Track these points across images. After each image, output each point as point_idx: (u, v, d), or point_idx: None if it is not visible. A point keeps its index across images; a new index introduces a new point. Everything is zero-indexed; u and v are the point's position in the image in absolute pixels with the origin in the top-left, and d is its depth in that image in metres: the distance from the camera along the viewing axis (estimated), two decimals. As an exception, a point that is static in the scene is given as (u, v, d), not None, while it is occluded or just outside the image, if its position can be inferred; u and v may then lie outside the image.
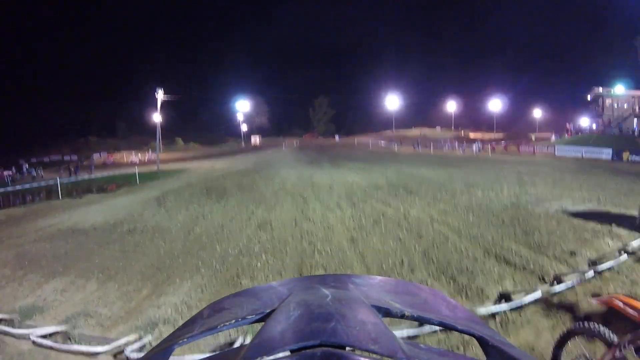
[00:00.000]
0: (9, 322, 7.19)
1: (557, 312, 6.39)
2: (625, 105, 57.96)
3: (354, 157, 48.40)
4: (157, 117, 49.47)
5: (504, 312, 6.43)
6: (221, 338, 6.14)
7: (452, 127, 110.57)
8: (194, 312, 5.73)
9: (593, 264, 8.38)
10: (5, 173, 55.45)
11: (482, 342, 1.08)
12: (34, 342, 6.39)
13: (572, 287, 7.20)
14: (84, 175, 44.70)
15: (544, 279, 7.91)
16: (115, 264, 10.67)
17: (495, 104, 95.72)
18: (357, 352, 0.91)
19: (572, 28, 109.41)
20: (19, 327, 7.01)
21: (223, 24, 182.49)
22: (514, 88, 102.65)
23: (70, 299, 8.58)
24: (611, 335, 3.90)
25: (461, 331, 1.12)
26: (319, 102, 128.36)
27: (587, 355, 4.17)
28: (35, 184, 35.39)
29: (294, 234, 12.38)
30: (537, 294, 6.75)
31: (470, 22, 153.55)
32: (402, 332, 5.84)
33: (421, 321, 1.17)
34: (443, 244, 10.46)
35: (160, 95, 47.15)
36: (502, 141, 70.01)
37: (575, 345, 4.38)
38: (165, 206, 19.20)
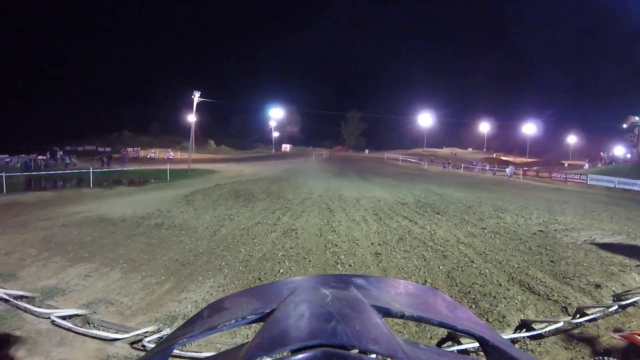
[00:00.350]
0: (30, 300, 7.32)
1: (578, 344, 6.32)
2: (662, 135, 56.64)
3: (382, 172, 48.37)
4: (192, 118, 51.08)
5: (524, 340, 6.40)
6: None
7: (484, 149, 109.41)
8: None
9: (617, 298, 8.27)
10: (40, 158, 56.89)
11: (482, 342, 1.13)
12: (52, 322, 6.51)
13: (595, 320, 7.13)
14: (117, 167, 45.51)
15: (566, 310, 7.84)
16: (141, 256, 10.87)
17: (529, 128, 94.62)
18: (357, 352, 0.95)
19: (610, 54, 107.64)
20: (40, 306, 7.15)
21: (263, 33, 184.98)
22: (549, 113, 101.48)
23: (93, 285, 8.75)
24: None
25: (461, 331, 1.17)
26: (351, 115, 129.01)
27: None
28: (67, 171, 36.25)
29: (319, 244, 12.42)
30: (559, 325, 6.69)
31: (508, 44, 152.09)
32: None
33: (421, 321, 1.22)
34: (467, 267, 10.39)
35: (196, 97, 48.30)
36: (534, 167, 68.92)
37: (595, 381, 4.36)
38: (194, 205, 19.47)
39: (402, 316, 1.20)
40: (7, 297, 7.40)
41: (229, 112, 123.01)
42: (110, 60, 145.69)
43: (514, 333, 6.59)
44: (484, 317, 7.54)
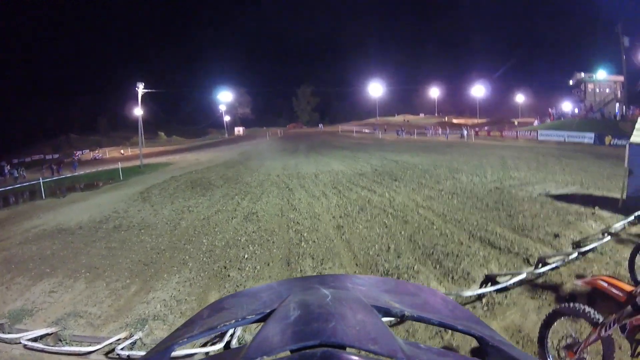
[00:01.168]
0: None
1: (543, 293, 6.45)
2: (607, 90, 58.63)
3: (338, 145, 48.49)
4: (138, 112, 49.46)
5: (490, 294, 6.49)
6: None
7: (436, 114, 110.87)
8: (183, 306, 5.74)
9: (577, 245, 8.50)
10: (-14, 175, 54.71)
11: (482, 342, 1.11)
12: (25, 346, 6.33)
13: (557, 269, 7.28)
14: (67, 174, 44.32)
15: (528, 262, 8.00)
16: (103, 262, 10.58)
17: (478, 90, 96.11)
18: (357, 352, 0.93)
19: (555, 14, 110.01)
20: (9, 332, 6.92)
21: (203, 14, 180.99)
22: (497, 74, 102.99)
23: (59, 300, 8.50)
24: (596, 315, 3.94)
25: (461, 331, 1.15)
26: (302, 91, 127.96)
27: (573, 335, 4.22)
28: (18, 185, 35.07)
29: (281, 224, 12.38)
30: (522, 276, 6.81)
31: (453, 7, 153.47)
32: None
33: (421, 321, 1.19)
34: (428, 229, 10.53)
35: (140, 89, 46.85)
36: (485, 127, 70.26)
37: (562, 326, 4.43)
38: (150, 201, 19.07)
39: (402, 316, 1.19)
40: (-27, 330, 7.11)
41: (176, 101, 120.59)
42: (47, 56, 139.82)
43: (479, 288, 6.68)
44: (449, 275, 7.65)
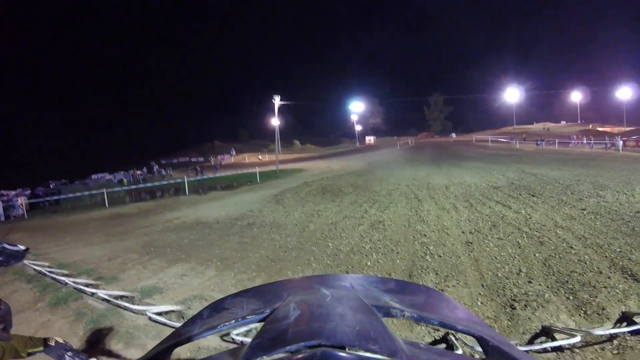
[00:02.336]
0: (130, 299, 7.98)
1: (690, 338, 5.79)
2: None
3: (471, 156, 47.17)
4: (275, 122, 54.00)
5: (624, 335, 5.84)
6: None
7: (578, 121, 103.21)
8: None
9: None
10: (138, 172, 61.87)
11: (482, 342, 1.10)
12: (149, 318, 6.95)
13: None
14: (210, 175, 47.76)
15: (677, 300, 7.23)
16: (234, 254, 11.41)
17: (624, 93, 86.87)
18: (357, 352, 0.94)
19: None
20: (138, 304, 7.72)
21: (335, 28, 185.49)
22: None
23: (189, 284, 9.28)
24: None
25: (461, 331, 1.16)
26: (434, 99, 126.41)
27: None
28: (164, 182, 38.62)
29: (407, 235, 12.32)
30: (667, 317, 6.11)
31: (593, 10, 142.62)
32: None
33: (421, 321, 1.22)
34: (566, 253, 9.86)
35: (277, 101, 50.39)
36: (634, 136, 64.23)
37: None
38: (283, 203, 20.04)
39: (402, 316, 1.20)
40: (108, 298, 8.09)
41: (310, 111, 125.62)
42: (195, 77, 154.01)
43: (613, 327, 6.04)
44: (581, 309, 7.06)
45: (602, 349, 5.62)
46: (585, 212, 14.00)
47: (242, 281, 9.20)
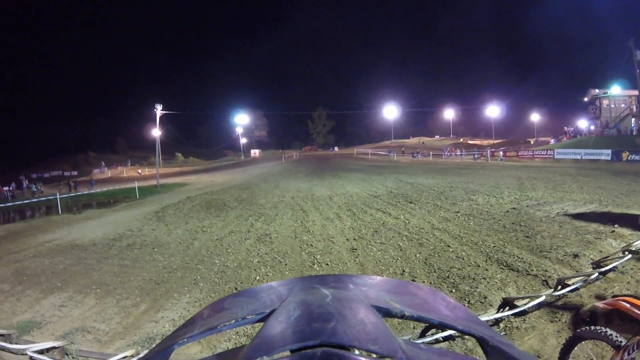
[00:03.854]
0: (7, 338, 7.12)
1: (562, 316, 6.27)
2: (622, 106, 58.55)
3: (353, 168, 48.55)
4: (156, 132, 50.22)
5: (508, 318, 6.32)
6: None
7: (451, 135, 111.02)
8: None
9: (597, 265, 8.28)
10: (5, 189, 55.86)
11: (482, 342, 1.08)
12: (30, 358, 6.34)
13: (577, 290, 7.09)
14: (84, 191, 44.97)
15: (547, 284, 7.81)
16: (114, 279, 10.59)
17: (493, 111, 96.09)
18: (357, 352, 0.92)
19: (567, 32, 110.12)
20: (17, 343, 6.96)
21: (220, 40, 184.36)
22: (511, 94, 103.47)
23: (69, 315, 8.51)
24: (618, 337, 3.81)
25: (461, 331, 1.12)
26: (317, 114, 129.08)
27: (595, 359, 4.07)
28: (35, 200, 35.76)
29: (294, 246, 12.26)
30: (541, 299, 6.64)
31: (467, 29, 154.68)
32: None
33: (421, 321, 1.18)
34: (444, 252, 10.36)
35: (159, 110, 47.30)
36: (501, 147, 70.01)
37: (582, 350, 4.30)
38: (165, 220, 19.14)
39: (402, 316, 1.16)
40: (-19, 339, 7.15)
41: (194, 123, 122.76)
42: (68, 77, 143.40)
43: (497, 312, 6.51)
44: (465, 299, 7.48)
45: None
46: (459, 214, 14.84)
47: (125, 308, 8.61)
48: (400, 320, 5.60)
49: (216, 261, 11.44)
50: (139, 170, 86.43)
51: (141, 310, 8.47)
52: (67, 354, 6.54)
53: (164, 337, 1.28)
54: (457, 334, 5.64)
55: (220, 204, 23.36)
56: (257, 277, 9.75)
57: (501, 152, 54.67)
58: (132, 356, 6.20)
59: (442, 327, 1.20)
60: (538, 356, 5.31)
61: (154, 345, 1.20)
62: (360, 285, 1.42)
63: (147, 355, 1.16)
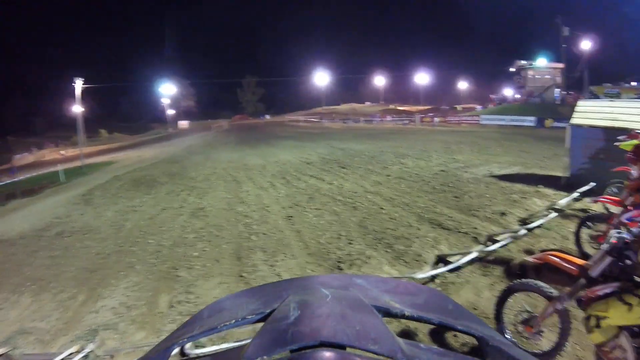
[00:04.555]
0: None
1: (494, 270, 6.55)
2: (547, 77, 61.71)
3: (285, 135, 48.42)
4: (77, 109, 46.99)
5: (443, 274, 6.53)
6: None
7: (381, 101, 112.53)
8: (133, 312, 5.44)
9: (524, 222, 8.67)
10: None
11: (482, 342, 1.12)
12: None
13: (506, 246, 7.39)
14: (6, 180, 42.43)
15: (477, 240, 8.11)
16: (47, 272, 9.96)
17: (422, 78, 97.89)
18: (357, 352, 0.93)
19: (498, 3, 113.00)
20: None
21: (142, 6, 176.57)
22: (440, 62, 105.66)
23: (5, 318, 7.94)
24: (550, 289, 4.00)
25: (461, 331, 1.17)
26: (246, 82, 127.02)
27: (529, 310, 4.28)
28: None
29: (229, 218, 12.11)
30: (473, 255, 6.90)
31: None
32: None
33: (421, 321, 1.21)
34: (378, 214, 10.56)
35: (79, 85, 44.33)
36: (429, 113, 71.69)
37: (516, 301, 4.48)
38: (93, 203, 18.30)
39: (402, 316, 1.20)
40: None
41: (116, 96, 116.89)
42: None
43: (432, 269, 6.70)
44: (400, 258, 7.66)
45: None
46: (390, 177, 15.17)
47: (63, 302, 8.15)
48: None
49: (150, 241, 11.08)
50: (62, 152, 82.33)
51: (79, 302, 8.08)
52: None
53: (166, 337, 1.30)
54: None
55: (149, 180, 22.62)
56: (195, 253, 9.53)
57: (435, 119, 56.06)
58: (78, 351, 5.97)
59: (442, 326, 1.24)
60: (474, 309, 5.50)
61: (154, 346, 1.12)
62: (360, 285, 1.44)
63: (147, 355, 1.18)
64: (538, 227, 8.23)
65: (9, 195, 29.98)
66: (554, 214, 8.86)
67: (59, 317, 7.56)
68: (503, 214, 9.55)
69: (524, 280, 4.41)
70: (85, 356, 5.83)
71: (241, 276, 7.91)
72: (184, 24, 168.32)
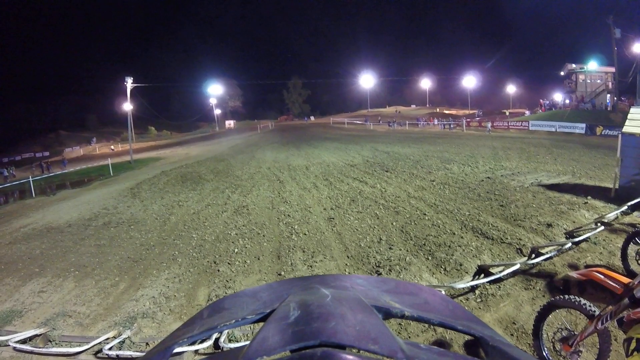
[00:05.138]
0: None
1: (536, 284, 6.38)
2: (599, 81, 59.19)
3: (329, 137, 48.44)
4: (127, 106, 48.35)
5: (483, 285, 6.41)
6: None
7: (427, 104, 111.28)
8: (172, 303, 5.58)
9: (570, 235, 8.44)
10: (-25, 176, 53.70)
11: (482, 342, 1.10)
12: (14, 348, 6.25)
13: (550, 259, 7.22)
14: (57, 171, 44.00)
15: (521, 252, 7.93)
16: (92, 260, 10.37)
17: (470, 81, 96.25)
18: (357, 352, 0.91)
19: (547, 5, 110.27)
20: None
21: (194, 7, 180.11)
22: (488, 65, 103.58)
23: (48, 300, 8.31)
24: (592, 307, 3.87)
25: (461, 331, 1.13)
26: (292, 83, 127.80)
27: (569, 328, 4.15)
28: (7, 184, 34.82)
29: (271, 217, 12.23)
30: (516, 267, 6.73)
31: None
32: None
33: (421, 321, 1.17)
34: (420, 220, 10.45)
35: (129, 83, 45.53)
36: (477, 117, 70.43)
37: (557, 318, 4.37)
38: (140, 197, 18.84)
39: (402, 316, 1.16)
40: (-38, 332, 6.95)
41: (166, 95, 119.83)
42: (34, 54, 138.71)
43: (472, 280, 6.59)
44: (441, 267, 7.57)
45: (467, 299, 6.05)
46: (434, 183, 14.97)
47: (104, 289, 8.46)
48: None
49: (194, 235, 11.33)
50: (112, 147, 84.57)
51: (120, 289, 8.37)
52: (50, 341, 6.45)
53: (166, 336, 1.27)
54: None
55: (195, 177, 23.12)
56: (236, 250, 9.69)
57: (489, 123, 54.10)
58: (115, 337, 6.17)
59: (442, 327, 1.19)
60: (513, 323, 5.41)
61: (153, 346, 1.18)
62: (360, 285, 1.42)
63: (147, 355, 1.14)
64: (584, 240, 7.97)
65: (59, 186, 31.06)
66: (601, 228, 8.56)
67: (100, 303, 7.84)
68: (549, 225, 9.30)
69: (565, 296, 4.28)
70: (122, 342, 6.01)
71: (280, 274, 8.02)
72: (233, 27, 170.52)
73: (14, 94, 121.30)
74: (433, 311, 1.22)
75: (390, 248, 8.67)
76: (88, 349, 5.96)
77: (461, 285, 6.38)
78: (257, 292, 1.42)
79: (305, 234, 10.26)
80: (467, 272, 7.20)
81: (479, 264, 7.21)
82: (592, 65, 59.90)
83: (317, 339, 0.92)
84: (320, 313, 1.08)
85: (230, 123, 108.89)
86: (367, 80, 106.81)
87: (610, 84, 56.87)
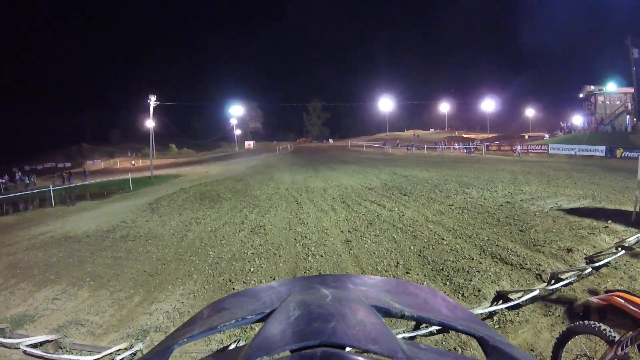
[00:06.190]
0: (0, 332, 7.05)
1: (556, 310, 6.29)
2: (618, 103, 58.44)
3: (348, 160, 48.50)
4: (150, 123, 49.57)
5: (502, 311, 6.33)
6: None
7: (446, 128, 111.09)
8: (186, 318, 5.60)
9: (590, 260, 8.31)
10: (-2, 181, 54.79)
11: (482, 342, 1.09)
12: (24, 352, 6.29)
13: (570, 285, 7.12)
14: (78, 182, 44.63)
15: (541, 277, 7.83)
16: (108, 271, 10.50)
17: (488, 105, 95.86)
18: (357, 352, 0.92)
19: (564, 28, 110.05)
20: (10, 337, 6.89)
21: (216, 31, 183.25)
22: (507, 88, 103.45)
23: (62, 308, 8.43)
24: (612, 332, 3.81)
25: (461, 331, 1.14)
26: (312, 105, 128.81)
27: (588, 354, 4.09)
28: (28, 192, 35.43)
29: (288, 238, 12.24)
30: (535, 293, 6.65)
31: (463, 22, 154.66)
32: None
33: (421, 321, 1.20)
34: (438, 244, 10.38)
35: (152, 101, 46.61)
36: (496, 141, 70.05)
37: (576, 344, 4.31)
38: (159, 212, 19.03)
39: (402, 316, 1.18)
40: (-25, 332, 7.08)
41: (188, 114, 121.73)
42: (63, 69, 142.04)
43: (491, 306, 6.52)
44: (459, 292, 7.50)
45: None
46: (453, 207, 14.87)
47: (119, 300, 8.55)
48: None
49: (210, 253, 11.39)
50: (133, 162, 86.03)
51: (135, 302, 8.43)
52: (60, 348, 6.50)
53: (166, 336, 1.28)
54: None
55: (214, 195, 23.26)
56: (252, 269, 9.71)
57: (518, 147, 53.10)
58: (126, 349, 6.19)
59: (442, 326, 1.19)
60: (532, 350, 5.33)
61: (153, 346, 1.19)
62: (360, 285, 1.43)
63: (147, 356, 1.16)
64: (605, 265, 7.85)
65: (79, 197, 31.54)
66: (622, 252, 8.42)
67: (113, 314, 7.92)
68: (569, 250, 9.17)
69: (585, 322, 4.21)
70: (133, 354, 6.02)
71: (294, 296, 7.99)
72: (254, 48, 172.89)
73: (42, 104, 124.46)
74: (433, 311, 1.23)
75: (407, 272, 8.62)
76: (99, 358, 6.00)
77: (479, 311, 6.32)
78: (257, 292, 1.44)
79: (321, 256, 10.24)
80: (485, 298, 7.11)
81: (498, 290, 7.12)
82: (611, 86, 59.21)
83: (317, 339, 0.93)
84: (320, 313, 1.10)
85: (249, 144, 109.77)
86: (386, 104, 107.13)
87: (629, 104, 56.18)
